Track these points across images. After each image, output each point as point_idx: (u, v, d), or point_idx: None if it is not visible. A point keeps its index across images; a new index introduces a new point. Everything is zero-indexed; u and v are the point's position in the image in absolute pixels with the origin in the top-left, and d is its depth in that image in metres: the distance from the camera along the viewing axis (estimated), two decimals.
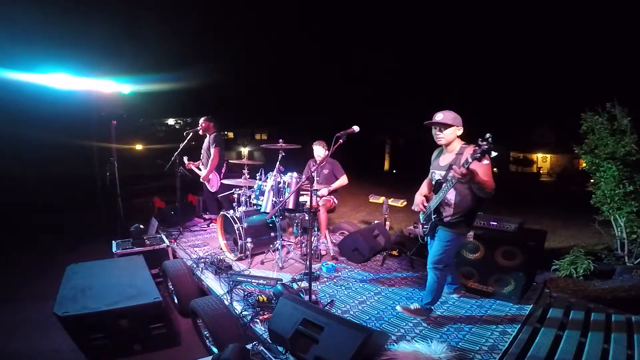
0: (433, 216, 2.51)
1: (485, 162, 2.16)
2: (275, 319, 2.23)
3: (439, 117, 2.41)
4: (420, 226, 2.74)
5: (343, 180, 4.38)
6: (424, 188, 2.74)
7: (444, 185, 2.39)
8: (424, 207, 2.61)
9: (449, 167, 2.40)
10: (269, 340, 2.28)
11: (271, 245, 3.94)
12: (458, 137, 2.46)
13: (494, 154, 2.02)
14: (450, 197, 2.44)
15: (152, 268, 3.65)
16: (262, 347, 2.15)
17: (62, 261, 3.61)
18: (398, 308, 2.73)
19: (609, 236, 4.55)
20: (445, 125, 2.40)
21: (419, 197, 2.67)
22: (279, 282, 2.92)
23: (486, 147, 1.97)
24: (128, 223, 4.63)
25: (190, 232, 5.07)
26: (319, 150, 4.40)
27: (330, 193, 4.35)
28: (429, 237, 2.74)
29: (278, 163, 3.77)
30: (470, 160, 2.04)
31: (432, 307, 2.68)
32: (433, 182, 2.59)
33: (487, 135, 1.98)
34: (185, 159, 5.16)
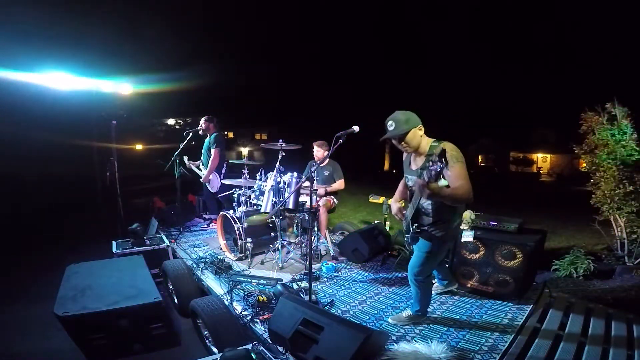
0: (412, 227, 2.27)
1: (456, 163, 1.97)
2: (275, 319, 2.23)
3: (391, 127, 2.15)
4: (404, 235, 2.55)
5: (340, 184, 4.41)
6: (397, 194, 2.56)
7: (415, 193, 2.16)
8: (403, 215, 2.41)
9: (422, 171, 2.17)
10: (269, 340, 2.28)
11: (271, 245, 3.94)
12: (423, 134, 2.20)
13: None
14: (426, 205, 2.24)
15: (152, 268, 3.64)
16: (262, 347, 2.15)
17: (62, 261, 3.60)
18: (390, 320, 2.59)
19: (609, 236, 4.54)
20: (402, 136, 2.15)
21: (394, 205, 2.47)
22: (279, 282, 2.92)
23: (439, 165, 1.71)
24: (128, 223, 4.62)
25: (190, 232, 5.07)
26: (319, 151, 4.42)
27: (328, 194, 4.36)
28: (413, 246, 2.53)
29: (278, 163, 3.77)
30: (433, 175, 1.75)
31: (425, 313, 2.58)
32: (408, 188, 2.38)
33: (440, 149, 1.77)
34: (185, 158, 5.16)
